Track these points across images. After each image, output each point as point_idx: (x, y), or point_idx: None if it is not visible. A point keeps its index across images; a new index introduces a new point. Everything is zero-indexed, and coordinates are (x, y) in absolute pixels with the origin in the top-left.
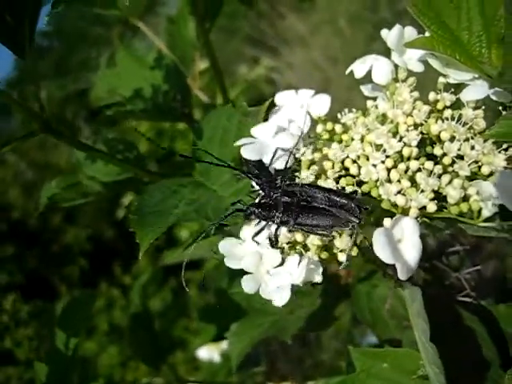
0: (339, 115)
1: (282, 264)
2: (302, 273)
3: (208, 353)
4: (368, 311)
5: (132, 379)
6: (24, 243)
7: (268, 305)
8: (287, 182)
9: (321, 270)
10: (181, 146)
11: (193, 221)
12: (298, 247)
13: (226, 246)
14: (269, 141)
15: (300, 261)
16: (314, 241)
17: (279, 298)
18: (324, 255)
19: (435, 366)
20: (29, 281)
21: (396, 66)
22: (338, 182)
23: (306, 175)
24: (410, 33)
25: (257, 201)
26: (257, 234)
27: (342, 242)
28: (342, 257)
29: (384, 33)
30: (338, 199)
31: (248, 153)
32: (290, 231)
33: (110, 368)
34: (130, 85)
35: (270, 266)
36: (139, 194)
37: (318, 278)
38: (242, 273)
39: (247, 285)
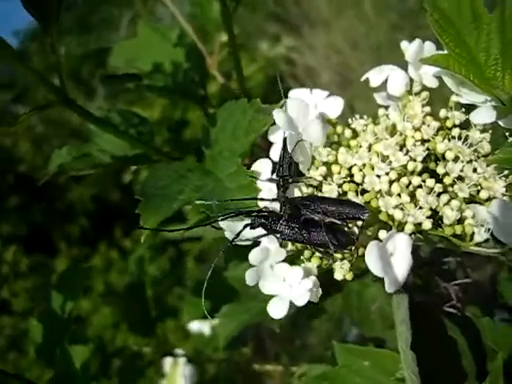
0: (350, 120)
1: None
2: (306, 296)
3: (199, 325)
4: (357, 310)
5: (122, 342)
6: (29, 197)
7: (260, 292)
8: (299, 198)
9: (320, 292)
10: (191, 131)
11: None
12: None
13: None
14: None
15: (303, 277)
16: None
17: (275, 310)
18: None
19: (413, 373)
20: (31, 234)
21: (411, 79)
22: (340, 187)
23: (314, 174)
24: (429, 47)
25: (262, 205)
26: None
27: (342, 265)
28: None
29: (403, 45)
30: (345, 213)
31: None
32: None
33: (103, 328)
34: (150, 58)
35: (273, 261)
36: (148, 173)
37: (316, 300)
38: (238, 254)
39: (249, 277)
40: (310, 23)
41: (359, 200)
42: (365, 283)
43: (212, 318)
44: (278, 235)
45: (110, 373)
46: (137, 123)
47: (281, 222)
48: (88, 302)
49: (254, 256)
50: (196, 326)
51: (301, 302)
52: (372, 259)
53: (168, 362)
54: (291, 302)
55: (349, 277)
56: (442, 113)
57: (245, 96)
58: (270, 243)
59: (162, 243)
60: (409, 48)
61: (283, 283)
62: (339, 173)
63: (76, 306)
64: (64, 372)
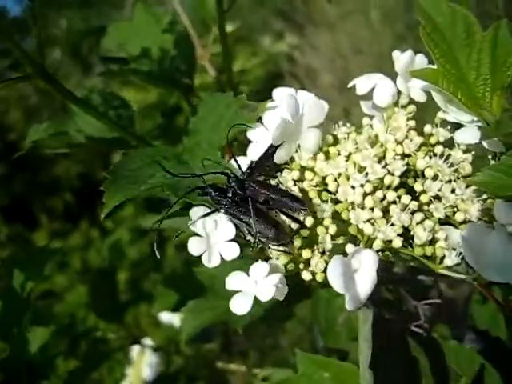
0: (333, 126)
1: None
2: (271, 292)
3: (169, 316)
4: (324, 319)
5: (94, 322)
6: (14, 166)
7: (229, 291)
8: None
9: (286, 289)
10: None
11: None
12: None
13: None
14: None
15: (268, 273)
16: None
17: (239, 305)
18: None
19: None
20: (12, 204)
21: (399, 91)
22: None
23: (286, 177)
24: (421, 61)
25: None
26: (205, 215)
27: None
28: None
29: (395, 54)
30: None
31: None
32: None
33: (76, 306)
34: (140, 43)
35: (221, 239)
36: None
37: (281, 297)
38: None
39: (193, 246)
40: (315, 24)
41: (330, 208)
42: (334, 292)
43: (179, 311)
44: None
45: (79, 352)
46: (118, 106)
47: (226, 196)
48: (64, 278)
49: (199, 224)
50: (166, 316)
51: (265, 297)
52: (334, 274)
53: (135, 349)
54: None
55: (319, 278)
56: (427, 128)
57: (232, 90)
58: (220, 217)
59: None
60: (400, 58)
61: (247, 278)
62: (311, 179)
63: (52, 281)
64: (19, 353)
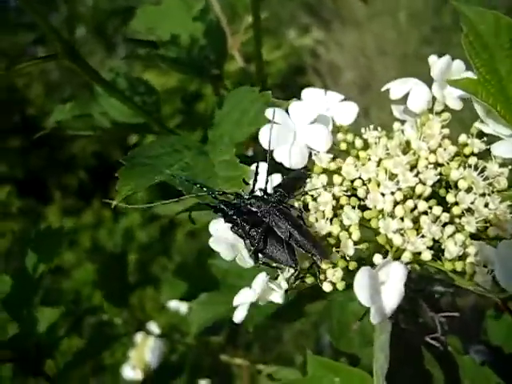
0: (363, 130)
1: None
2: (258, 290)
3: (176, 303)
4: (337, 322)
5: (99, 301)
6: (33, 141)
7: (241, 286)
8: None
9: (282, 292)
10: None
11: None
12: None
13: (214, 227)
14: (297, 130)
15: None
16: None
17: (237, 315)
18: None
19: None
20: (27, 178)
21: (434, 97)
22: (338, 200)
23: (315, 184)
24: (458, 66)
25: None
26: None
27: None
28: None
29: (432, 59)
30: (300, 238)
31: (264, 137)
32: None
33: (82, 284)
34: (169, 28)
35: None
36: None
37: (278, 300)
38: None
39: (224, 252)
40: (342, 21)
41: (357, 216)
42: (350, 296)
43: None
44: (232, 225)
45: (84, 333)
46: (143, 92)
47: (240, 215)
48: (72, 255)
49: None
50: (174, 303)
51: (254, 297)
52: (361, 286)
53: (139, 334)
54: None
55: (340, 287)
56: (462, 138)
57: (261, 84)
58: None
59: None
60: (437, 64)
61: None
62: (341, 184)
63: (61, 258)
64: (29, 332)
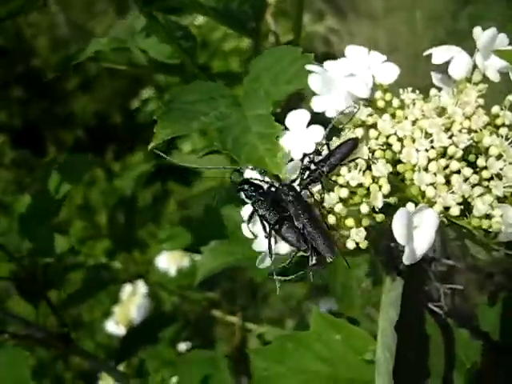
0: (401, 91)
1: None
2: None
3: (167, 263)
4: (341, 286)
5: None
6: (34, 93)
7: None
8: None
9: None
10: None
11: (209, 139)
12: None
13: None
14: (339, 79)
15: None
16: None
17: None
18: None
19: (389, 352)
20: (24, 129)
21: (473, 68)
22: (373, 153)
23: (350, 135)
24: (502, 40)
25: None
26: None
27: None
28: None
29: (477, 30)
30: (312, 232)
31: (315, 82)
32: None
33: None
34: None
35: None
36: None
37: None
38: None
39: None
40: (358, 12)
41: (387, 169)
42: (355, 262)
43: (195, 251)
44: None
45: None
46: (180, 36)
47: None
48: (64, 212)
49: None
50: (164, 263)
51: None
52: (399, 225)
53: (127, 289)
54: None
55: (363, 246)
56: (495, 109)
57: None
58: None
59: (150, 177)
60: (482, 35)
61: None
62: (377, 138)
63: None
64: (43, 253)
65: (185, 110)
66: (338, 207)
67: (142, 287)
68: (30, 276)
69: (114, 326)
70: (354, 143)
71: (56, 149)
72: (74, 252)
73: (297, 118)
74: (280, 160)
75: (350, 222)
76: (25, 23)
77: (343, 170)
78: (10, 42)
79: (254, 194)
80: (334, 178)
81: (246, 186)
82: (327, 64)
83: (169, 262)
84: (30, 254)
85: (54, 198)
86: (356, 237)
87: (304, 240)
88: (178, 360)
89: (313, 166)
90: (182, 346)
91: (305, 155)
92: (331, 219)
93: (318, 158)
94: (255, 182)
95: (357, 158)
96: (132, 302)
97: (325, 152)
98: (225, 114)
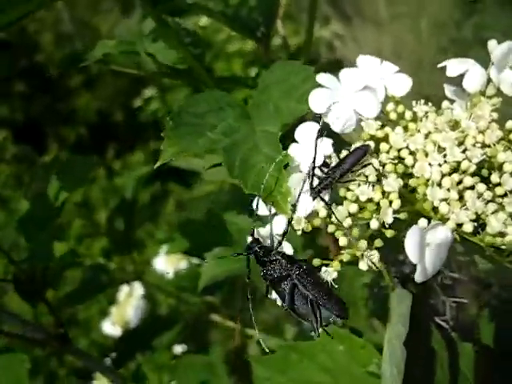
0: (413, 103)
1: None
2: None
3: (164, 265)
4: (345, 295)
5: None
6: (37, 88)
7: None
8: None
9: None
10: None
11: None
12: None
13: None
14: (346, 96)
15: None
16: None
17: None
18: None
19: (396, 367)
20: (26, 125)
21: (488, 82)
22: (384, 167)
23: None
24: None
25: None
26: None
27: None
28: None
29: (492, 43)
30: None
31: (316, 100)
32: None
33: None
34: None
35: None
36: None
37: None
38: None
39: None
40: (363, 18)
41: (399, 183)
42: (360, 271)
43: (197, 257)
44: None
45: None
46: (189, 43)
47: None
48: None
49: None
50: (161, 265)
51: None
52: (412, 244)
53: (124, 290)
54: None
55: (379, 266)
56: (509, 124)
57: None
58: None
59: (150, 176)
60: (498, 48)
61: None
62: (388, 152)
63: None
64: (43, 256)
65: (192, 124)
66: (347, 222)
67: (138, 288)
68: (28, 277)
69: (111, 327)
70: (365, 150)
71: (57, 145)
72: (73, 254)
73: (306, 131)
74: (286, 191)
75: (362, 243)
76: (29, 18)
77: (352, 185)
78: (14, 36)
79: (264, 258)
80: (344, 186)
81: (257, 249)
82: (342, 74)
83: (166, 264)
84: (28, 257)
85: (53, 205)
86: (369, 261)
87: (312, 310)
88: (175, 364)
89: (320, 174)
90: (178, 349)
91: (313, 167)
92: (342, 240)
93: (325, 169)
94: (264, 245)
95: (368, 164)
96: (129, 304)
97: (334, 160)
98: (233, 127)
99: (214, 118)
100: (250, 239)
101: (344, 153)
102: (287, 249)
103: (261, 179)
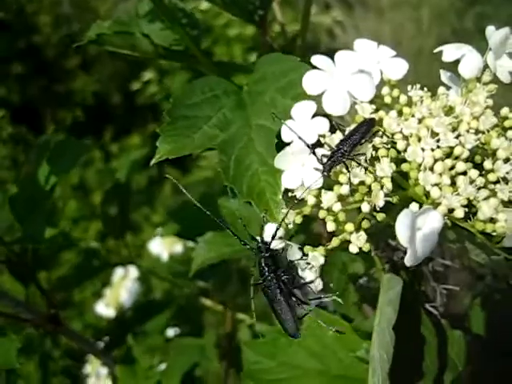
0: (409, 87)
1: None
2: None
3: (159, 248)
4: (337, 281)
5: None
6: (34, 69)
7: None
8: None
9: None
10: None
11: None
12: None
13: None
14: (341, 78)
15: None
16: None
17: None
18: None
19: (385, 352)
20: (23, 106)
21: (484, 68)
22: (376, 151)
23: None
24: None
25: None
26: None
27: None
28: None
29: (490, 29)
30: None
31: (311, 82)
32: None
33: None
34: None
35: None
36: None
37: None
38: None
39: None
40: (365, 5)
41: (392, 168)
42: (352, 257)
43: (190, 240)
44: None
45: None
46: (185, 24)
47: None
48: (58, 191)
49: None
50: (156, 247)
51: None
52: (403, 227)
53: (118, 272)
54: None
55: (365, 248)
56: (504, 111)
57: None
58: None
59: (147, 159)
60: (495, 34)
61: None
62: (381, 136)
63: None
64: (34, 238)
65: (188, 116)
66: (337, 206)
67: (133, 271)
68: (20, 258)
69: (104, 309)
70: (371, 122)
71: (54, 127)
72: (64, 236)
73: (303, 109)
74: (279, 200)
75: (349, 226)
76: None
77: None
78: (12, 17)
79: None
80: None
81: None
82: (337, 56)
83: (161, 246)
84: (19, 239)
85: (43, 188)
86: (357, 242)
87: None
88: (166, 347)
89: (328, 151)
90: (170, 332)
91: (313, 144)
92: (330, 225)
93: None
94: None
95: (376, 134)
96: (123, 286)
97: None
98: (228, 119)
99: (209, 108)
100: (259, 239)
101: (352, 126)
102: (295, 253)
103: (255, 184)
